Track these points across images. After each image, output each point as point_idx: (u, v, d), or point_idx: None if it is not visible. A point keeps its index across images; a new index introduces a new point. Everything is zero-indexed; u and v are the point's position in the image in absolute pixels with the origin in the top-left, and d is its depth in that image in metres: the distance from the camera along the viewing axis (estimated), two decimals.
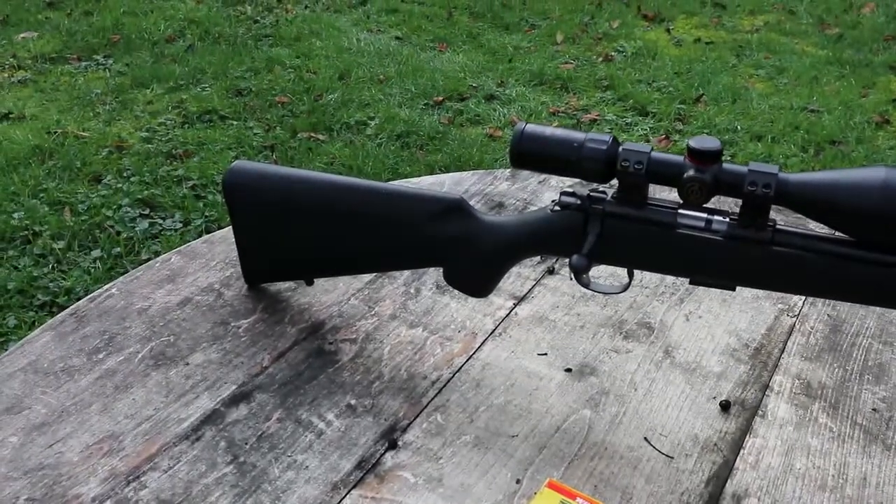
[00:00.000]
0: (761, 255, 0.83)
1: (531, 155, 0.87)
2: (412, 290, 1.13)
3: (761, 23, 4.37)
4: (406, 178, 2.53)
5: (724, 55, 3.95)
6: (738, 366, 1.01)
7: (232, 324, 1.06)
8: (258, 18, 4.28)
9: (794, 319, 1.09)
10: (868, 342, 1.06)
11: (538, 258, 1.18)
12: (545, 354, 1.02)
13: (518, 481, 0.86)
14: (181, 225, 2.62)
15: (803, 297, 1.12)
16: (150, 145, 3.06)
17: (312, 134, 3.17)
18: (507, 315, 1.09)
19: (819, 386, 0.99)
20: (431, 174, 2.65)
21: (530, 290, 1.13)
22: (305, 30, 4.14)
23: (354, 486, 0.85)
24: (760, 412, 0.95)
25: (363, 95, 3.45)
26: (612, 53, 3.94)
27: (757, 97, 3.50)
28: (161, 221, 2.64)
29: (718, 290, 1.10)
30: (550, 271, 1.17)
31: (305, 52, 3.87)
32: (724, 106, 3.42)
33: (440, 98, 3.45)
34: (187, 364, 0.99)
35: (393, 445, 0.89)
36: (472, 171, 1.41)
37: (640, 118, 3.33)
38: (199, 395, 0.95)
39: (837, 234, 0.81)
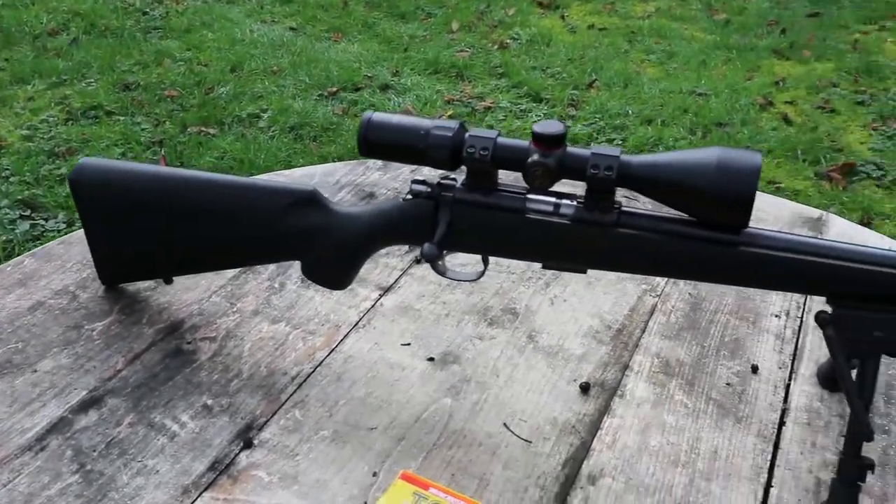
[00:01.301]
0: (607, 237, 0.83)
1: (379, 144, 0.86)
2: (276, 285, 1.10)
3: (653, 9, 4.46)
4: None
5: (616, 41, 4.01)
6: (600, 347, 1.02)
7: (86, 327, 1.02)
8: (147, 10, 4.16)
9: (657, 299, 1.11)
10: (726, 318, 1.08)
11: (407, 247, 1.17)
12: (408, 344, 1.01)
13: (375, 474, 0.85)
14: (64, 226, 2.52)
15: (665, 278, 1.14)
16: (31, 143, 2.94)
17: (203, 128, 3.09)
18: (372, 306, 1.07)
19: (677, 363, 1.01)
20: None
21: (397, 280, 1.12)
22: (196, 21, 4.04)
23: (206, 489, 0.82)
24: (619, 392, 0.96)
25: (256, 87, 3.39)
26: (508, 41, 3.96)
27: (648, 82, 3.57)
28: (43, 223, 2.54)
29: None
30: (418, 261, 1.16)
31: (196, 45, 3.78)
32: (616, 91, 3.47)
33: (334, 89, 3.41)
34: (35, 371, 0.95)
35: (248, 444, 0.87)
36: (344, 162, 1.40)
37: (535, 104, 3.35)
38: (45, 404, 0.91)
39: (681, 214, 0.82)
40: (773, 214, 1.27)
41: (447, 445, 0.88)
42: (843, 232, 1.25)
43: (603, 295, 1.11)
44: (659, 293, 1.12)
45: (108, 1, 4.18)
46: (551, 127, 0.81)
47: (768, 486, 0.86)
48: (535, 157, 0.81)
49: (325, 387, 0.95)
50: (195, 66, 3.57)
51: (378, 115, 0.86)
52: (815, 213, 1.29)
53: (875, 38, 4.14)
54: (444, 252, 0.91)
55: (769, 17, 4.32)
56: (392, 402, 0.93)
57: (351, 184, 1.33)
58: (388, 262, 1.15)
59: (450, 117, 3.19)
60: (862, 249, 0.80)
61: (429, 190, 0.87)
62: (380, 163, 1.38)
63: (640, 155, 0.80)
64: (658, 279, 1.14)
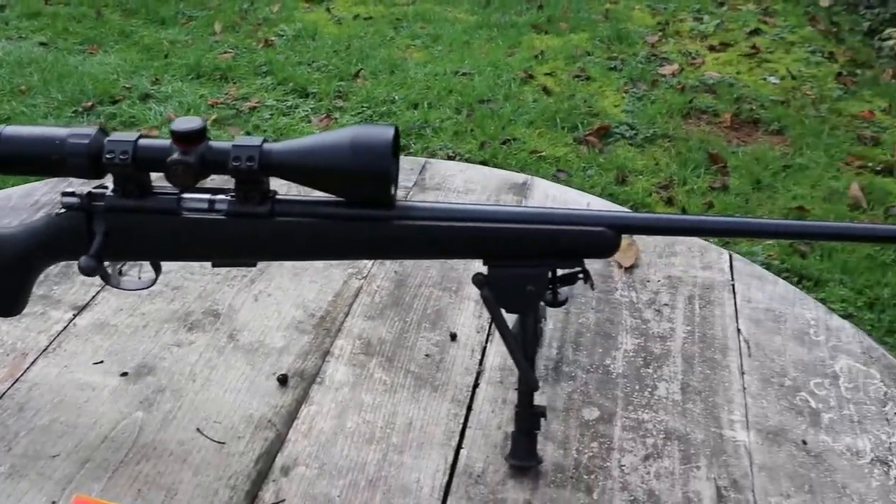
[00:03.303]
0: (265, 227, 0.82)
1: (13, 158, 0.81)
2: None
3: None
4: None
5: (382, 29, 4.04)
6: (302, 337, 1.02)
7: None
8: None
9: (362, 281, 1.12)
10: (430, 291, 1.11)
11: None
12: (101, 362, 0.97)
13: (54, 503, 0.81)
14: None
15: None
16: None
17: None
18: (64, 328, 1.02)
19: (379, 342, 1.02)
20: None
21: (94, 297, 1.08)
22: None
23: None
24: (319, 379, 0.96)
25: (2, 110, 3.18)
26: (273, 38, 3.90)
27: (414, 66, 3.62)
28: None
29: (290, 265, 1.11)
30: (120, 273, 1.11)
31: None
32: (383, 78, 3.50)
33: (90, 103, 3.25)
34: None
35: None
36: (45, 181, 1.32)
37: (301, 100, 3.32)
38: None
39: (334, 196, 0.82)
40: (481, 184, 1.31)
41: (135, 461, 0.85)
42: (546, 192, 1.30)
43: (309, 284, 1.11)
44: (365, 275, 1.13)
45: None
46: (188, 123, 0.80)
47: (459, 448, 0.88)
48: (175, 155, 0.79)
49: (4, 420, 0.90)
50: None
51: (10, 128, 0.81)
52: (521, 178, 1.35)
53: (624, 6, 4.38)
54: (112, 263, 0.88)
55: None
56: (79, 425, 0.89)
57: (51, 203, 1.26)
58: (84, 280, 1.10)
59: (214, 121, 3.12)
60: (512, 209, 0.83)
61: (79, 201, 0.84)
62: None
63: (282, 142, 0.80)
64: (366, 262, 1.15)
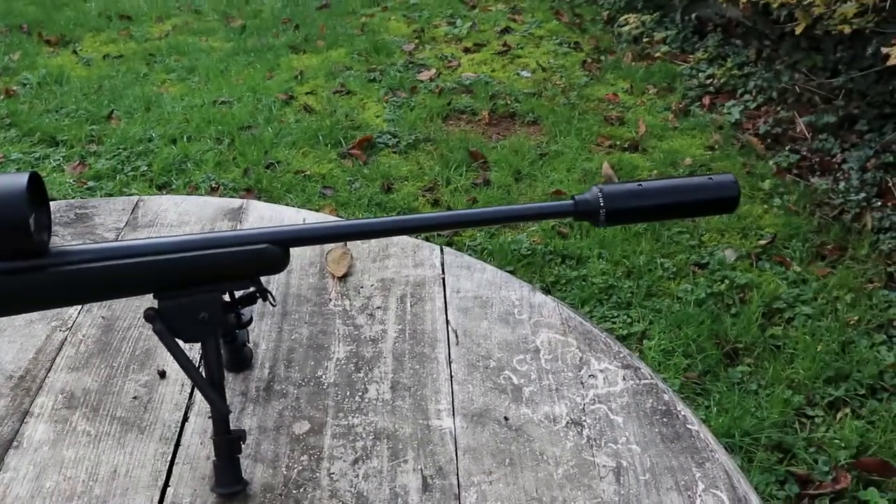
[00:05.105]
0: None
1: None
2: None
3: (170, 27, 4.41)
4: None
5: (135, 66, 3.92)
6: None
7: None
8: None
9: (67, 332, 1.08)
10: (139, 332, 1.08)
11: None
12: None
13: None
14: None
15: (79, 308, 1.11)
16: None
17: None
18: None
19: (83, 393, 0.98)
20: None
21: None
22: None
23: None
24: (15, 443, 0.92)
25: None
26: (15, 87, 3.69)
27: (170, 101, 3.53)
28: None
29: None
30: None
31: None
32: (138, 116, 3.39)
33: None
34: None
35: None
36: None
37: (51, 149, 3.16)
38: None
39: None
40: (196, 215, 1.29)
41: None
42: (261, 214, 1.30)
43: (8, 344, 1.05)
44: (70, 325, 1.09)
45: None
46: None
47: (165, 486, 0.87)
48: None
49: None
50: None
51: None
52: (237, 203, 1.34)
53: (379, 18, 4.46)
54: None
55: (283, 15, 4.47)
56: None
57: None
58: None
59: None
60: (174, 240, 0.82)
61: None
62: None
63: None
64: (71, 310, 1.10)
